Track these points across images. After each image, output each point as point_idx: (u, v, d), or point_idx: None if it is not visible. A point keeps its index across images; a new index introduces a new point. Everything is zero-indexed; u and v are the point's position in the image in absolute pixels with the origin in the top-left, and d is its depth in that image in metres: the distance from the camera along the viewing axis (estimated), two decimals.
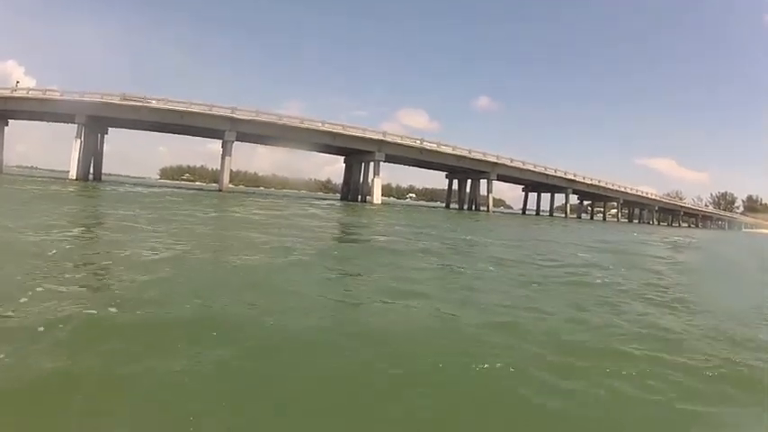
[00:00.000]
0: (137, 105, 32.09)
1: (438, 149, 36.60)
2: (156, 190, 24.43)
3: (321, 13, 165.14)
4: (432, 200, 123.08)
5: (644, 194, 58.57)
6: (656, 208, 62.87)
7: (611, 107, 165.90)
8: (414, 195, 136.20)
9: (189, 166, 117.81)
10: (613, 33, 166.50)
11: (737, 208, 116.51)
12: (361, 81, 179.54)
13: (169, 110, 31.51)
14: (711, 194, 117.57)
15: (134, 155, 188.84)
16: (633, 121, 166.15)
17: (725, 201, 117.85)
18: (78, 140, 32.09)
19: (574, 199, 54.84)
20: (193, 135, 37.33)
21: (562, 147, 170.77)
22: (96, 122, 33.28)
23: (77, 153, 31.90)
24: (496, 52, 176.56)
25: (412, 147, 35.59)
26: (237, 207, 13.81)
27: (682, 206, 70.41)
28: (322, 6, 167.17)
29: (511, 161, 40.52)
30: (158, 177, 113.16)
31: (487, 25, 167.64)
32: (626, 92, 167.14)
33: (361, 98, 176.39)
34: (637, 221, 64.64)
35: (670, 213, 69.52)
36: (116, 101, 32.00)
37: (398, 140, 35.33)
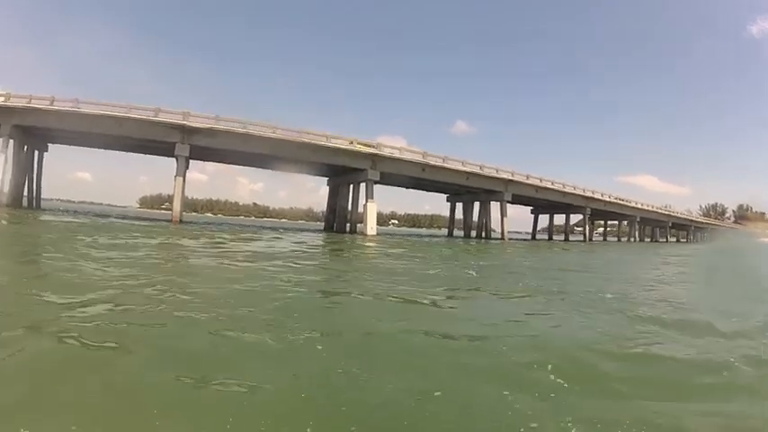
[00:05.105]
0: (62, 111, 24.85)
1: (444, 165, 30.11)
2: (85, 220, 17.33)
3: (295, 40, 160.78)
4: (414, 225, 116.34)
5: (662, 211, 53.52)
6: (670, 224, 58.09)
7: (591, 126, 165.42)
8: (396, 222, 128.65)
9: (169, 195, 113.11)
10: (590, 54, 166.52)
11: (728, 218, 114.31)
12: (334, 107, 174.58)
13: (102, 116, 24.34)
14: (701, 206, 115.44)
15: (119, 184, 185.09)
16: (611, 139, 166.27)
17: (714, 212, 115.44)
18: (2, 156, 24.78)
19: (577, 218, 49.54)
20: (140, 152, 30.15)
21: (543, 169, 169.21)
22: (28, 135, 26.09)
23: (1, 173, 24.58)
24: (473, 75, 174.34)
25: (413, 162, 28.98)
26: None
27: (693, 221, 66.00)
28: (296, 33, 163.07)
29: (527, 178, 34.42)
30: (138, 206, 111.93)
31: (464, 47, 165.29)
32: (604, 111, 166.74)
33: (334, 127, 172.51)
34: (649, 239, 59.79)
35: (682, 229, 65.66)
36: (41, 105, 24.82)
37: (396, 154, 28.73)
